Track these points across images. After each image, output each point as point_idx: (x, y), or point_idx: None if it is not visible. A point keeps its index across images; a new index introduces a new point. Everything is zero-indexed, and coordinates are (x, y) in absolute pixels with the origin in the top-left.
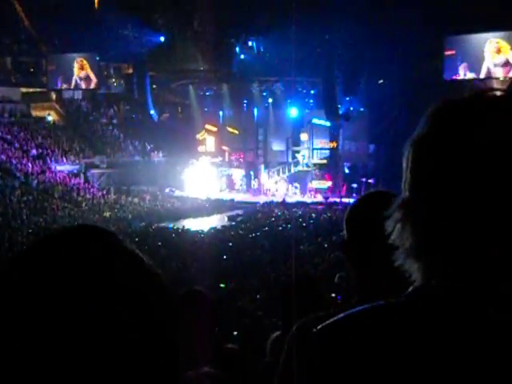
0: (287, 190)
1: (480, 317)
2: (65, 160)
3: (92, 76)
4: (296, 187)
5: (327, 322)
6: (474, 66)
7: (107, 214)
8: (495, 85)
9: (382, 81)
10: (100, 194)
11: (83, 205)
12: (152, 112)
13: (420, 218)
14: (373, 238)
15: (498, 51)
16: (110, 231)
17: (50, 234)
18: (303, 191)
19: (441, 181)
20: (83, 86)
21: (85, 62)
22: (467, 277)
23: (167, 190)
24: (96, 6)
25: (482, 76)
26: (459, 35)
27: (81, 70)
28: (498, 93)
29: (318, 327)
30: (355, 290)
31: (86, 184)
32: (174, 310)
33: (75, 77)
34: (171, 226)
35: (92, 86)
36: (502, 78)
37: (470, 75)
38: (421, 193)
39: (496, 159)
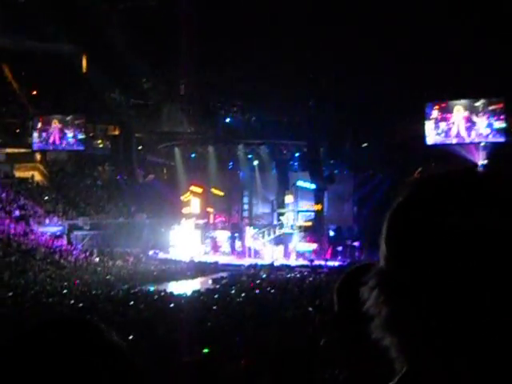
0: (272, 252)
1: None
2: (48, 221)
3: (78, 137)
4: (281, 250)
5: None
6: (449, 132)
7: (89, 277)
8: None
9: (366, 144)
10: (83, 255)
11: (65, 267)
12: (137, 173)
13: (395, 288)
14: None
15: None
16: (94, 324)
17: (35, 328)
18: (288, 254)
19: (413, 256)
20: (68, 147)
21: (71, 123)
22: (448, 362)
23: (151, 253)
24: (84, 69)
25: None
26: (437, 101)
27: (67, 132)
28: (482, 173)
29: None
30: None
31: (69, 246)
32: None
33: (60, 138)
34: (153, 288)
35: (78, 147)
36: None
37: (451, 140)
38: (394, 265)
39: (470, 243)
